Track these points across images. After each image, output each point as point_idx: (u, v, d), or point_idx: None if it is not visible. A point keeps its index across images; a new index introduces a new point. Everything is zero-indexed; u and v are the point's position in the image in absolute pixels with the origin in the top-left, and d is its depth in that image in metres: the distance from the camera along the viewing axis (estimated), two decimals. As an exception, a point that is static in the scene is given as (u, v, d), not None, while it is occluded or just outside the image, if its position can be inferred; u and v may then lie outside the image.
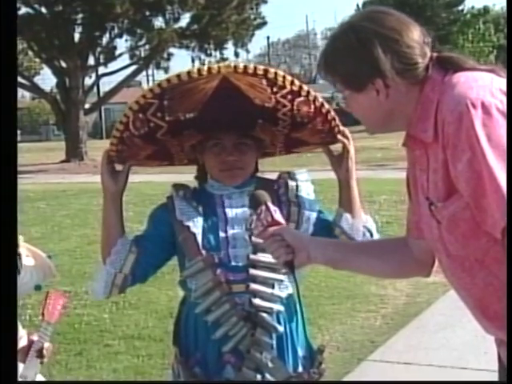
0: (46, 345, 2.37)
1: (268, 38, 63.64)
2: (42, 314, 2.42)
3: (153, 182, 12.13)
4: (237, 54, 27.18)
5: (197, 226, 2.10)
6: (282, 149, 2.32)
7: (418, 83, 1.59)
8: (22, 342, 2.38)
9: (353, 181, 2.20)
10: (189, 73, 1.91)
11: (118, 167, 2.15)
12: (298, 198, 2.17)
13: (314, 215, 2.17)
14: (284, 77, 1.97)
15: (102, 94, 29.84)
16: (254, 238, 2.06)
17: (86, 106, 26.11)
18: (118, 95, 27.72)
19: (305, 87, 2.01)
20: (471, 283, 1.59)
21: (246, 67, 1.93)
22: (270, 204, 1.81)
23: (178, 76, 1.92)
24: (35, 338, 2.37)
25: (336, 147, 2.21)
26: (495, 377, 1.67)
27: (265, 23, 27.40)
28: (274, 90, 1.98)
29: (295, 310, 2.16)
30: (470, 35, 30.53)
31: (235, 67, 1.92)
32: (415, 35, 1.59)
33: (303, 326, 1.80)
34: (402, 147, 1.69)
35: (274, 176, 2.25)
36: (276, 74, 1.95)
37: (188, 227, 2.10)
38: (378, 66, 1.55)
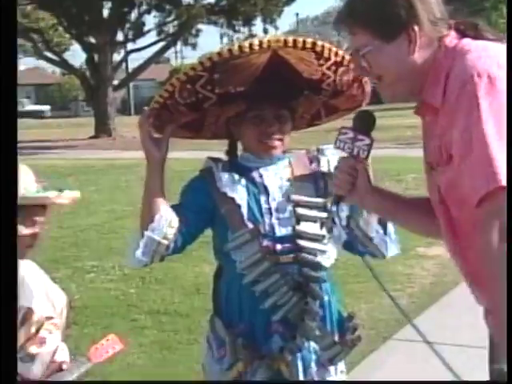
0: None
1: (297, 14, 63.30)
2: (88, 350, 2.24)
3: (182, 158, 12.16)
4: (265, 31, 27.03)
5: (241, 197, 2.11)
6: (309, 121, 2.32)
7: (433, 45, 1.56)
8: (59, 355, 2.19)
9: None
10: (240, 47, 1.94)
11: (156, 134, 2.12)
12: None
13: None
14: (330, 49, 2.02)
15: (130, 70, 29.90)
16: (297, 210, 2.09)
17: (115, 82, 26.20)
18: (146, 72, 27.75)
19: (346, 56, 2.03)
20: (468, 248, 1.57)
21: (295, 41, 1.96)
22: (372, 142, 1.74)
23: (230, 50, 1.94)
24: (65, 367, 2.19)
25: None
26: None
27: (294, -1, 27.18)
28: (321, 62, 2.03)
29: (332, 279, 2.23)
30: (503, 11, 30.00)
31: (285, 41, 1.95)
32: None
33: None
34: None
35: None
36: (323, 46, 2.00)
37: (233, 199, 2.11)
38: (416, 12, 1.53)
